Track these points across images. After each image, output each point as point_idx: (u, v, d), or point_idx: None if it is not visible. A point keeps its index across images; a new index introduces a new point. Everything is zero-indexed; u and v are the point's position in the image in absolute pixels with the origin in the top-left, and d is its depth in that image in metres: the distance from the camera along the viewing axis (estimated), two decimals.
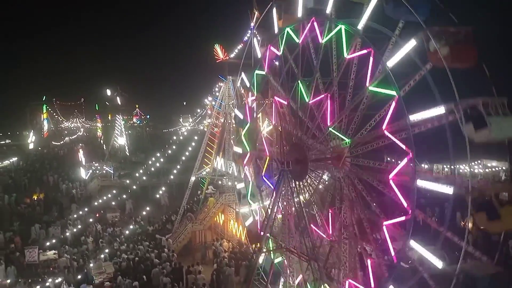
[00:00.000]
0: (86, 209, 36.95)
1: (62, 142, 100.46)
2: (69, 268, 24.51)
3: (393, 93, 12.74)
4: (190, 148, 42.03)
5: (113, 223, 35.29)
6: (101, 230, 32.68)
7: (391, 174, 12.69)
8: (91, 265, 24.48)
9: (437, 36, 11.57)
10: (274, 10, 18.30)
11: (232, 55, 32.38)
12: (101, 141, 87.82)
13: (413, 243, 12.42)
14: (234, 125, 28.59)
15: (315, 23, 15.90)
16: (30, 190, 45.76)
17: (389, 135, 12.76)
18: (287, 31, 17.51)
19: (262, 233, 16.82)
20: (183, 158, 42.50)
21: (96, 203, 39.23)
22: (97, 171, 52.81)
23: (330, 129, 15.78)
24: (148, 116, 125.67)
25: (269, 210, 16.56)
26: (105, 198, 40.05)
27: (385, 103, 13.18)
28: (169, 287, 22.26)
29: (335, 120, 15.72)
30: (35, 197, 42.09)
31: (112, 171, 51.94)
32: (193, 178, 34.81)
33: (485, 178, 39.39)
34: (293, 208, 16.56)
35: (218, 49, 32.80)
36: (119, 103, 68.17)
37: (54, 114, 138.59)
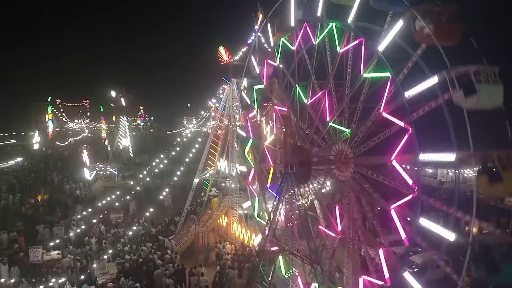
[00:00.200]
0: (90, 210, 37.08)
1: (67, 142, 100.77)
2: (73, 269, 24.60)
3: (387, 74, 13.07)
4: (193, 150, 42.09)
5: (117, 224, 35.35)
6: (104, 231, 32.74)
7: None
8: (94, 265, 24.54)
9: (422, 15, 11.91)
10: (269, 25, 18.58)
11: (236, 58, 32.46)
12: (105, 142, 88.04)
13: (423, 221, 12.40)
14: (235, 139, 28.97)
15: (307, 28, 16.51)
16: (34, 190, 45.89)
17: (387, 116, 12.88)
18: (282, 41, 18.11)
19: (271, 248, 16.84)
20: (187, 160, 42.57)
21: (100, 204, 39.33)
22: (101, 172, 53.00)
23: (330, 123, 15.93)
24: (152, 118, 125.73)
25: (272, 213, 16.57)
26: (108, 199, 40.14)
27: (383, 94, 13.36)
28: None
29: (334, 115, 15.99)
30: (39, 198, 42.22)
31: (116, 172, 52.12)
32: (196, 180, 34.85)
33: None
34: (297, 211, 16.56)
35: (222, 51, 32.90)
36: (124, 105, 68.41)
37: (59, 115, 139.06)
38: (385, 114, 13.17)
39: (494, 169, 10.97)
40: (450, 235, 11.70)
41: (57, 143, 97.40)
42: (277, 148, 19.98)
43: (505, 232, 11.57)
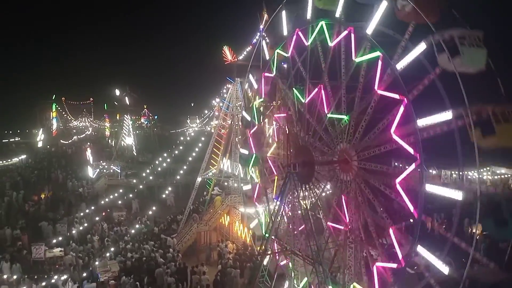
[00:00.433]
0: (92, 208, 37.22)
1: (71, 140, 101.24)
2: (75, 266, 24.66)
3: (377, 54, 13.35)
4: (197, 149, 42.18)
5: (119, 222, 35.44)
6: (107, 228, 32.82)
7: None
8: (97, 263, 24.61)
9: None
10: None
11: (240, 57, 32.48)
12: (109, 141, 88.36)
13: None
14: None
15: (299, 33, 16.62)
16: (38, 188, 46.08)
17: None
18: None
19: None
20: (190, 159, 42.64)
21: (102, 202, 39.48)
22: (105, 170, 53.18)
23: (328, 115, 16.16)
24: (156, 117, 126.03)
25: (275, 213, 16.55)
26: (111, 197, 40.26)
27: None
28: (173, 287, 22.29)
29: (332, 105, 16.15)
30: (42, 196, 42.36)
31: (119, 171, 52.30)
32: (199, 179, 34.88)
33: (493, 185, 38.97)
34: (299, 211, 16.52)
35: (226, 51, 32.94)
36: (128, 103, 68.58)
37: (63, 113, 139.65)
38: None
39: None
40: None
41: (61, 141, 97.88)
42: (280, 155, 20.04)
43: (499, 266, 11.46)
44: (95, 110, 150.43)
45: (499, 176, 42.09)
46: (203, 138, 45.22)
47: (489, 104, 11.42)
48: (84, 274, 23.18)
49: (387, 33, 14.04)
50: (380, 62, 13.38)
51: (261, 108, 21.07)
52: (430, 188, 12.10)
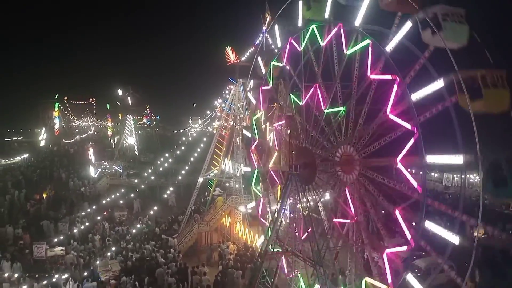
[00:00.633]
0: (94, 207, 37.26)
1: (73, 140, 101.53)
2: (76, 265, 24.68)
3: (367, 42, 14.16)
4: (198, 150, 42.19)
5: (121, 221, 35.45)
6: (108, 228, 32.85)
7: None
8: (98, 262, 24.62)
9: None
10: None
11: (243, 58, 32.50)
12: (111, 141, 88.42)
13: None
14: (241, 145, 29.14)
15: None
16: (41, 187, 46.13)
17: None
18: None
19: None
20: (192, 159, 42.67)
21: (104, 202, 39.53)
22: (106, 170, 53.26)
23: (326, 110, 16.49)
24: (158, 117, 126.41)
25: (276, 214, 16.53)
26: (113, 196, 40.34)
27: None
28: (174, 287, 22.28)
29: (328, 100, 16.66)
30: (44, 195, 42.39)
31: (121, 170, 52.34)
32: (201, 180, 34.89)
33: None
34: (300, 212, 16.50)
35: (229, 51, 32.94)
36: (130, 103, 68.62)
37: (66, 112, 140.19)
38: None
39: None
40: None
41: (63, 140, 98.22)
42: (281, 163, 20.17)
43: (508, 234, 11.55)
44: (97, 109, 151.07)
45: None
46: (205, 139, 45.29)
47: (479, 69, 11.49)
48: (85, 273, 23.18)
49: (375, 29, 14.43)
50: (370, 49, 14.11)
51: (261, 121, 21.42)
52: (432, 158, 12.23)
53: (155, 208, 37.95)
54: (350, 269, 16.25)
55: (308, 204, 16.81)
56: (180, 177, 45.64)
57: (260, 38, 27.66)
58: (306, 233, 15.44)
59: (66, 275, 22.38)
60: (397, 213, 13.09)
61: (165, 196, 42.73)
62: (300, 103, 18.09)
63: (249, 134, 21.72)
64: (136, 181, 48.49)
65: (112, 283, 22.45)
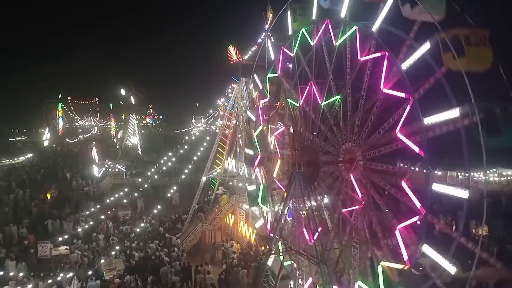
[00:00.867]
0: (98, 206, 37.41)
1: (76, 140, 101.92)
2: (80, 264, 24.79)
3: (354, 28, 14.51)
4: (201, 149, 42.24)
5: (124, 221, 35.59)
6: (112, 227, 32.97)
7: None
8: (102, 261, 24.72)
9: None
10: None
11: (245, 57, 32.47)
12: (115, 140, 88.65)
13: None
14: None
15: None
16: (45, 186, 46.32)
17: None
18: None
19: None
20: (195, 158, 42.73)
21: (108, 201, 39.69)
22: (110, 169, 53.44)
23: (322, 103, 16.55)
24: (161, 117, 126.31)
25: (280, 212, 16.51)
26: (117, 196, 40.45)
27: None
28: (177, 286, 22.35)
29: (324, 92, 16.75)
30: (48, 195, 42.56)
31: (124, 170, 52.49)
32: (204, 179, 34.95)
33: (499, 186, 38.68)
34: (304, 211, 16.46)
35: (232, 50, 32.91)
36: (133, 103, 68.75)
37: (69, 112, 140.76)
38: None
39: (458, 45, 11.38)
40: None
41: (67, 140, 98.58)
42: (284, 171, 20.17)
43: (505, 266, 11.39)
44: (100, 109, 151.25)
45: (505, 178, 41.84)
46: (208, 138, 45.28)
47: (462, 29, 11.50)
48: (89, 272, 23.29)
49: (391, 31, 14.06)
50: (357, 34, 14.43)
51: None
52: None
53: (159, 207, 38.06)
54: (353, 268, 16.20)
55: (315, 201, 16.81)
56: (183, 176, 45.74)
57: (262, 37, 27.60)
58: (317, 233, 15.32)
59: (70, 274, 22.51)
60: (403, 183, 12.93)
61: (169, 195, 42.84)
62: (297, 104, 18.12)
63: (251, 152, 21.56)
64: (139, 180, 48.64)
65: (116, 282, 22.56)
